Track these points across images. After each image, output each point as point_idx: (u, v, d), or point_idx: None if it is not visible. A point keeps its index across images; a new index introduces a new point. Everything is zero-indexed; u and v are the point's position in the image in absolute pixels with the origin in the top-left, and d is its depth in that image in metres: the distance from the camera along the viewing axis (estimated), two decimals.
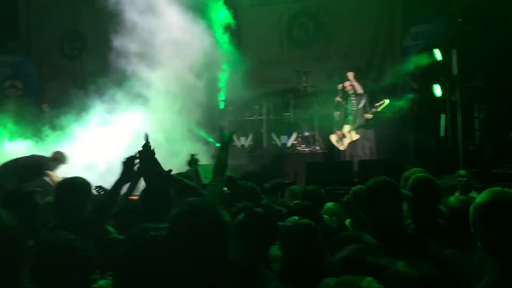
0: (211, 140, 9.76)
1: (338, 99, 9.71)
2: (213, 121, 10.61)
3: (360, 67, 10.78)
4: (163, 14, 8.99)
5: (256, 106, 11.04)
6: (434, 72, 10.08)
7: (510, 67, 8.77)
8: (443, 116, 9.81)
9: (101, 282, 2.25)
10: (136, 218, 3.30)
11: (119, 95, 8.88)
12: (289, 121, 10.99)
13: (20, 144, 8.37)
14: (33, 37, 13.64)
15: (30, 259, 2.29)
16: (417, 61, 10.23)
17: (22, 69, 13.34)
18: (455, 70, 9.20)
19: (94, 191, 3.82)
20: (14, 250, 2.21)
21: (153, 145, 3.61)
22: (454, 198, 3.32)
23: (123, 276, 2.20)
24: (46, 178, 7.28)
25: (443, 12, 10.10)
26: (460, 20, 8.98)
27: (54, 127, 9.04)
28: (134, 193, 3.71)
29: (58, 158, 7.60)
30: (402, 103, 9.82)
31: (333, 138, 9.82)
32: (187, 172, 4.66)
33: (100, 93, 9.11)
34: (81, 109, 9.06)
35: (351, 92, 9.41)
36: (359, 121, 9.40)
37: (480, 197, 2.20)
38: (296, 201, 4.02)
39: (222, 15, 11.07)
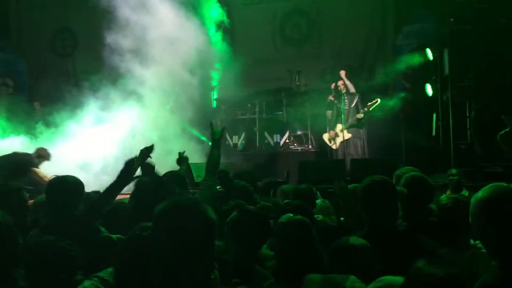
0: (203, 138, 9.74)
1: (330, 98, 9.73)
2: (205, 119, 10.59)
3: (352, 66, 10.81)
4: (156, 10, 8.96)
5: (249, 105, 11.02)
6: (426, 71, 10.13)
7: (502, 67, 8.82)
8: (434, 116, 9.86)
9: (86, 283, 2.24)
10: (125, 217, 3.30)
11: (112, 93, 8.84)
12: (281, 120, 10.98)
13: (14, 141, 8.28)
14: (24, 35, 13.55)
15: (22, 256, 2.29)
16: (409, 60, 10.27)
17: (13, 67, 13.25)
18: (446, 70, 9.24)
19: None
20: (8, 247, 2.20)
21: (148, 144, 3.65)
22: (445, 197, 3.33)
23: (124, 274, 2.19)
24: (33, 176, 7.20)
25: (435, 12, 10.15)
26: (452, 19, 9.02)
27: (46, 125, 8.98)
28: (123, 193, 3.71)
29: (42, 155, 7.55)
30: (394, 102, 9.86)
31: (326, 137, 9.85)
32: (178, 171, 4.64)
33: (93, 90, 9.06)
34: (74, 107, 9.01)
35: (343, 91, 9.43)
36: (351, 120, 9.43)
37: (483, 192, 2.15)
38: (287, 200, 4.01)
39: (215, 13, 11.06)
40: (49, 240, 2.45)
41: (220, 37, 11.16)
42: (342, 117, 9.29)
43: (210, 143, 4.20)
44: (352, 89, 9.52)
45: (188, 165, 5.78)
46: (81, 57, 12.33)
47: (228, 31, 11.44)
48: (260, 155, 10.54)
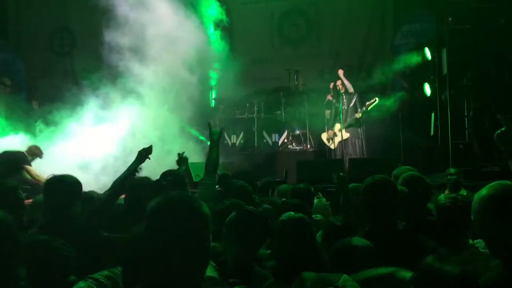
0: (202, 138, 9.73)
1: (329, 97, 9.73)
2: (204, 119, 10.58)
3: (351, 66, 10.81)
4: (155, 9, 8.93)
5: (247, 104, 11.02)
6: (424, 71, 10.14)
7: (500, 67, 8.83)
8: (433, 115, 9.87)
9: (81, 284, 2.23)
10: (121, 217, 3.30)
11: (111, 92, 8.82)
12: (280, 120, 10.98)
13: (14, 139, 8.24)
14: (22, 34, 13.53)
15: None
16: (408, 60, 10.28)
17: (11, 67, 13.23)
18: (445, 69, 9.24)
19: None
20: (8, 246, 2.21)
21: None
22: (443, 196, 3.33)
23: (131, 274, 2.19)
24: (25, 174, 7.17)
25: (434, 11, 10.14)
26: (450, 19, 9.02)
27: (46, 123, 8.97)
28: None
29: (35, 152, 7.53)
30: (392, 102, 9.86)
31: (324, 136, 9.85)
32: (177, 170, 4.65)
33: (91, 89, 9.03)
34: (72, 106, 8.98)
35: (342, 90, 9.43)
36: (349, 120, 9.43)
37: (487, 190, 2.14)
38: (284, 199, 4.00)
39: (214, 12, 11.05)
40: (43, 240, 2.44)
41: (219, 37, 11.15)
42: (341, 116, 9.29)
43: (208, 143, 4.21)
44: (350, 88, 9.52)
45: (187, 165, 5.79)
46: (80, 56, 12.33)
47: (227, 30, 11.43)
48: (259, 154, 10.54)
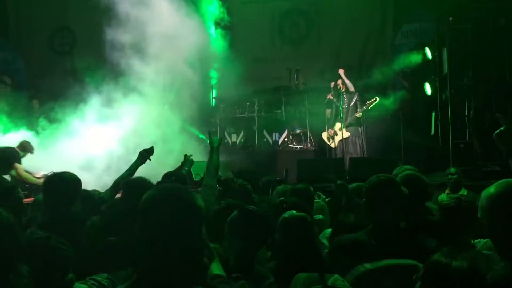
0: (202, 137, 9.73)
1: (330, 96, 9.73)
2: (204, 118, 10.59)
3: (351, 65, 10.81)
4: (156, 7, 8.93)
5: (248, 104, 11.01)
6: (425, 70, 10.14)
7: (501, 66, 8.82)
8: (433, 115, 9.87)
9: (83, 286, 2.23)
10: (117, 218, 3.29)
11: (112, 90, 8.81)
12: (280, 119, 10.97)
13: (16, 136, 8.23)
14: (22, 33, 13.53)
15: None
16: (408, 59, 10.28)
17: (11, 65, 13.24)
18: (445, 69, 9.23)
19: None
20: (9, 244, 2.21)
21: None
22: (446, 196, 3.34)
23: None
24: (14, 172, 7.17)
25: (434, 11, 10.13)
26: (451, 19, 9.02)
27: (47, 120, 8.98)
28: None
29: (26, 148, 7.52)
30: (392, 101, 9.86)
31: (325, 135, 9.85)
32: (177, 170, 4.70)
33: (92, 88, 9.03)
34: (72, 105, 8.98)
35: (343, 90, 9.42)
36: (350, 119, 9.42)
37: (496, 187, 2.12)
38: (282, 198, 3.99)
39: (215, 11, 11.06)
40: (41, 237, 2.44)
41: (220, 36, 11.15)
42: (341, 115, 9.29)
43: (208, 141, 4.25)
44: (351, 87, 9.52)
45: (190, 166, 5.84)
46: (80, 55, 12.32)
47: (227, 29, 11.43)
48: (259, 153, 10.53)
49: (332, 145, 9.66)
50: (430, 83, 9.86)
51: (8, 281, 2.14)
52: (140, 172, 4.22)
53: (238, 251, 2.71)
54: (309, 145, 10.51)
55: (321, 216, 4.27)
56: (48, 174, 6.95)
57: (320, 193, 5.47)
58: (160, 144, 7.73)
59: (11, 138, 8.08)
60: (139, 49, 8.82)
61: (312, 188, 4.43)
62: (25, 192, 6.23)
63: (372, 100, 9.30)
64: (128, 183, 3.48)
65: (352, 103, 9.48)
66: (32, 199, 4.69)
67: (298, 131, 10.80)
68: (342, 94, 9.40)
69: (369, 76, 10.29)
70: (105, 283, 2.29)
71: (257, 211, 2.91)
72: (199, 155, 8.30)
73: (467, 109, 8.99)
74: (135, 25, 8.74)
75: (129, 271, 2.04)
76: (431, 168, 8.73)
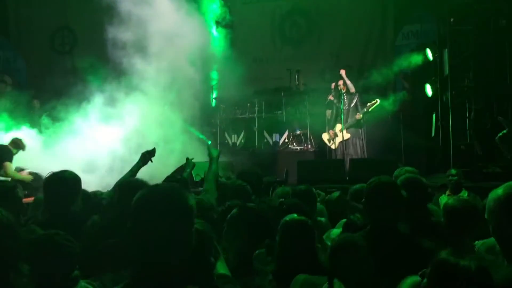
0: (202, 137, 9.74)
1: (330, 97, 9.72)
2: (205, 118, 10.59)
3: (352, 66, 10.80)
4: (157, 6, 8.92)
5: (248, 104, 11.02)
6: (426, 71, 10.14)
7: (501, 68, 8.81)
8: (434, 116, 9.86)
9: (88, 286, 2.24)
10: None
11: (112, 90, 8.80)
12: (281, 120, 10.97)
13: (19, 134, 8.23)
14: (23, 33, 13.54)
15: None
16: (409, 60, 10.27)
17: (12, 65, 13.24)
18: (446, 70, 9.24)
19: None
20: (9, 244, 2.22)
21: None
22: (445, 197, 3.33)
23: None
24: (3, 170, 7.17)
25: (435, 12, 10.14)
26: (452, 20, 9.02)
27: (50, 118, 8.98)
28: None
29: (19, 145, 7.52)
30: (393, 102, 9.86)
31: (325, 136, 9.84)
32: (177, 172, 4.76)
33: (92, 88, 9.02)
34: (74, 103, 8.98)
35: (343, 90, 9.41)
36: (350, 120, 9.41)
37: (504, 189, 2.12)
38: (281, 199, 3.98)
39: (216, 11, 11.06)
40: (47, 235, 2.44)
41: (220, 36, 11.15)
42: (342, 117, 9.28)
43: (209, 142, 4.35)
44: (352, 88, 9.51)
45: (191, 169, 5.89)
46: (80, 55, 12.33)
47: (228, 29, 11.44)
48: (259, 154, 10.53)
49: (333, 146, 9.65)
50: (430, 84, 9.85)
51: (9, 279, 2.15)
52: (142, 172, 4.23)
53: (237, 249, 2.71)
54: (309, 146, 10.51)
55: (323, 219, 4.26)
56: (33, 172, 7.00)
57: (319, 191, 5.43)
58: (162, 144, 7.73)
59: (13, 136, 8.08)
60: (140, 48, 8.82)
61: (314, 189, 4.41)
62: (26, 192, 6.24)
63: (373, 102, 9.29)
64: (121, 184, 3.46)
65: (352, 104, 9.47)
66: (32, 198, 4.70)
67: (298, 132, 10.80)
68: (343, 95, 9.40)
69: (369, 77, 10.28)
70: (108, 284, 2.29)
71: (256, 209, 2.92)
72: (200, 156, 8.30)
73: (468, 111, 8.99)
74: (137, 23, 8.73)
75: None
76: (432, 169, 8.73)
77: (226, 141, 11.08)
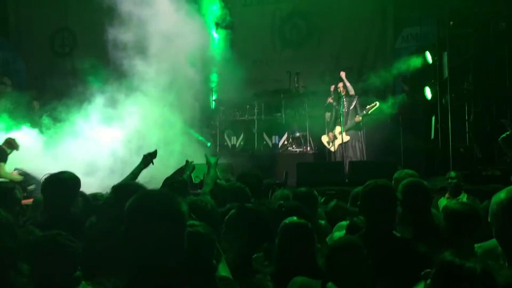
0: (201, 138, 9.74)
1: (330, 100, 9.73)
2: (204, 120, 10.59)
3: (351, 69, 10.81)
4: (157, 7, 8.92)
5: (248, 106, 11.01)
6: (425, 74, 10.15)
7: (501, 71, 8.82)
8: (433, 119, 9.87)
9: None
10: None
11: (113, 91, 8.80)
12: (280, 122, 10.97)
13: (18, 134, 8.22)
14: (23, 34, 13.55)
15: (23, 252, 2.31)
16: (408, 63, 10.28)
17: (11, 66, 13.24)
18: (446, 73, 9.24)
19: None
20: (8, 243, 2.22)
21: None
22: (444, 200, 3.32)
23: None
24: None
25: (435, 15, 10.15)
26: (451, 23, 9.03)
27: (48, 121, 8.98)
28: None
29: (12, 145, 7.52)
30: (392, 105, 9.86)
31: (324, 139, 9.84)
32: (176, 174, 4.78)
33: (93, 89, 9.02)
34: (72, 106, 8.98)
35: (343, 93, 9.42)
36: (350, 123, 9.42)
37: (507, 193, 2.13)
38: (280, 202, 3.97)
39: (216, 13, 11.07)
40: (50, 235, 2.44)
41: (221, 37, 11.16)
42: (341, 119, 9.29)
43: (208, 144, 4.37)
44: (351, 91, 9.52)
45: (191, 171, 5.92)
46: (80, 56, 12.33)
47: (229, 28, 11.45)
48: (259, 156, 10.53)
49: (332, 149, 9.65)
50: (430, 87, 9.86)
51: (8, 278, 2.16)
52: (141, 174, 4.25)
53: (237, 250, 2.70)
54: (308, 148, 10.51)
55: (323, 221, 4.25)
56: (20, 171, 7.01)
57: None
58: (161, 146, 7.73)
59: (14, 136, 8.07)
60: (140, 49, 8.82)
61: (315, 192, 4.39)
62: (25, 194, 6.24)
63: (372, 104, 9.29)
64: (117, 187, 3.45)
65: (352, 107, 9.48)
66: (31, 200, 4.70)
67: (297, 134, 10.80)
68: (342, 97, 9.40)
69: (369, 80, 10.29)
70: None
71: (255, 209, 2.92)
72: (199, 158, 8.30)
73: (467, 113, 8.99)
74: (137, 24, 8.74)
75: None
76: (431, 172, 8.73)
77: (225, 143, 11.07)
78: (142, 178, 4.37)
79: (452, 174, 6.60)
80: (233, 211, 2.85)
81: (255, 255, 2.82)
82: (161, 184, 4.20)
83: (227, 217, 2.83)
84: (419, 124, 10.44)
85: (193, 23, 9.04)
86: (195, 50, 9.06)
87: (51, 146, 8.26)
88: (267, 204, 4.46)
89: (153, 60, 8.89)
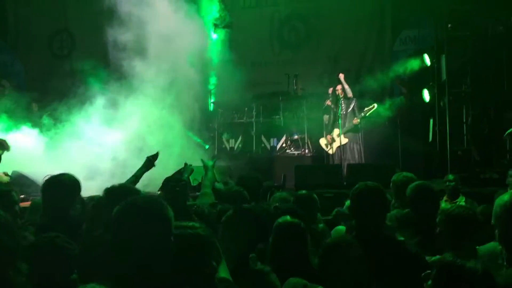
0: (200, 141, 9.73)
1: (328, 102, 9.73)
2: (203, 122, 10.58)
3: (349, 71, 10.82)
4: (156, 9, 8.92)
5: (246, 109, 11.00)
6: (423, 77, 10.16)
7: (499, 74, 8.85)
8: (431, 121, 9.88)
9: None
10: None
11: (112, 92, 8.79)
12: (278, 124, 10.96)
13: (18, 135, 8.20)
14: (21, 36, 13.53)
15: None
16: (406, 65, 10.29)
17: (9, 68, 13.22)
18: (444, 75, 9.26)
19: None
20: (8, 242, 2.24)
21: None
22: (444, 203, 3.32)
23: None
24: None
25: (433, 17, 10.17)
26: (449, 25, 9.05)
27: (48, 121, 8.98)
28: None
29: (3, 146, 7.49)
30: (391, 107, 9.87)
31: (323, 141, 9.84)
32: (175, 175, 4.81)
33: (92, 91, 9.01)
34: (72, 108, 8.96)
35: (341, 95, 9.43)
36: (348, 125, 9.42)
37: (510, 195, 2.15)
38: (276, 205, 3.98)
39: (215, 15, 11.08)
40: (48, 237, 2.45)
41: (219, 39, 11.16)
42: (339, 122, 9.29)
43: (207, 146, 4.41)
44: (349, 93, 9.53)
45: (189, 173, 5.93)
46: (79, 58, 12.31)
47: (227, 32, 11.45)
48: (257, 159, 10.51)
49: (330, 151, 9.65)
50: (428, 89, 9.87)
51: (8, 277, 2.17)
52: None
53: (234, 250, 2.70)
54: (307, 151, 10.50)
55: (322, 225, 4.27)
56: (17, 173, 7.00)
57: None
58: (161, 148, 7.71)
59: (12, 138, 8.06)
60: (139, 50, 8.81)
61: (315, 195, 4.38)
62: (23, 196, 6.23)
63: (370, 107, 9.30)
64: (107, 190, 3.43)
65: (350, 109, 9.49)
66: (29, 203, 4.69)
67: (296, 136, 10.79)
68: (340, 100, 9.41)
69: (367, 82, 10.30)
70: None
71: (250, 208, 2.93)
72: (197, 160, 8.29)
73: (465, 116, 9.01)
74: (136, 25, 8.73)
75: None
76: (429, 174, 8.73)
77: (223, 146, 11.06)
78: (140, 181, 4.39)
79: (450, 177, 6.62)
80: (229, 211, 2.85)
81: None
82: (160, 185, 4.20)
83: (224, 217, 2.83)
84: (417, 126, 10.44)
85: (192, 24, 9.04)
86: (194, 50, 9.06)
87: (51, 147, 8.24)
88: (265, 207, 4.46)
89: (151, 60, 8.88)
